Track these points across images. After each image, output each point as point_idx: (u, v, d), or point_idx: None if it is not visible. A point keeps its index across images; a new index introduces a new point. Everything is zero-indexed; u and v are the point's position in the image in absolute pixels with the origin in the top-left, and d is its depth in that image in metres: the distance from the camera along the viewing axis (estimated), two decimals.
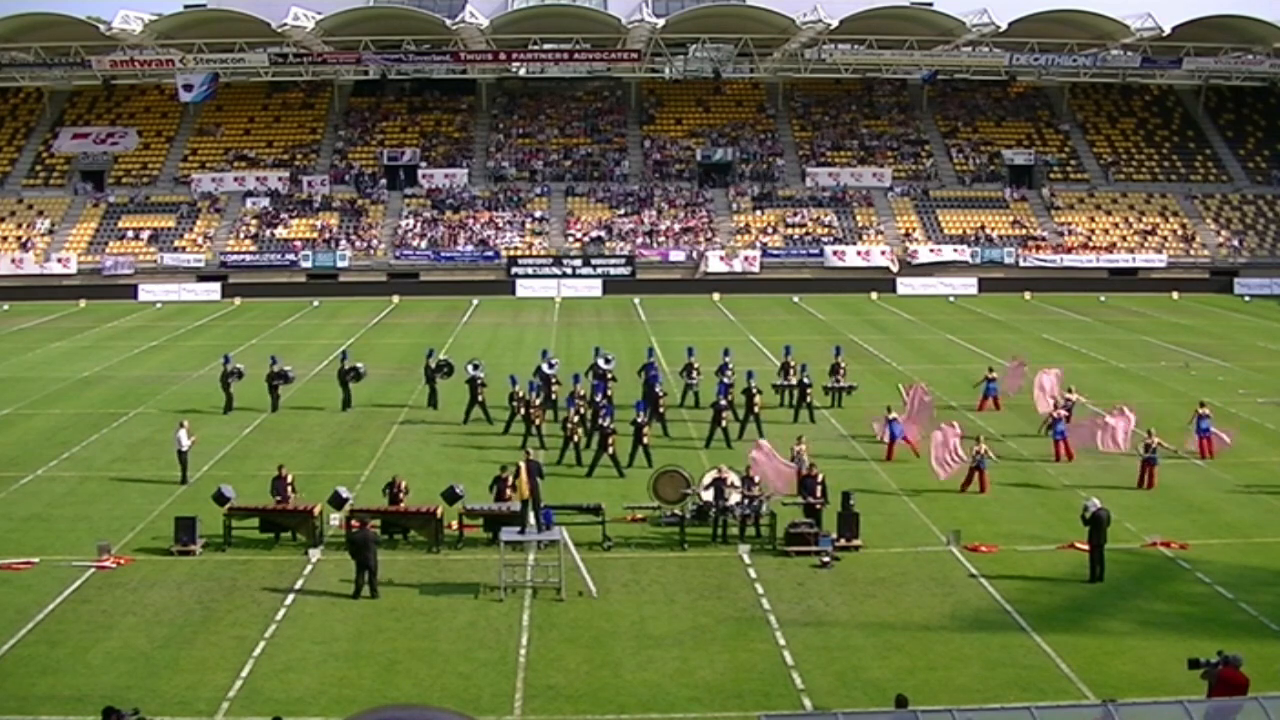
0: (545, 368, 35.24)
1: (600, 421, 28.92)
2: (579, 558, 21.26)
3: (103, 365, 44.26)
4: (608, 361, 35.44)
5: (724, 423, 31.12)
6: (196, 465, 29.34)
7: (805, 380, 34.42)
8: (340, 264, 67.30)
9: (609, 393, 32.48)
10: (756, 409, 32.23)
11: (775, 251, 68.61)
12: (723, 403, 31.51)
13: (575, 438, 29.41)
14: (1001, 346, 47.19)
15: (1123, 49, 74.02)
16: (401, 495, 24.23)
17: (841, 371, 36.62)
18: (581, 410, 30.31)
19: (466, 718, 13.66)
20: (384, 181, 74.06)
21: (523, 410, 31.46)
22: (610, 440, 28.35)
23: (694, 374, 35.82)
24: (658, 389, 33.45)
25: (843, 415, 34.78)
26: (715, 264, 67.50)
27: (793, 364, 36.18)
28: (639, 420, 29.31)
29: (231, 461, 30.21)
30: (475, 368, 34.42)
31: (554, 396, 33.82)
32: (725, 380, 33.38)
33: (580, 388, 31.97)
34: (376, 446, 31.61)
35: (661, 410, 32.45)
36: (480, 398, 33.71)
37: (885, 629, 19.47)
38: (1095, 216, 72.17)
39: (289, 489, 24.47)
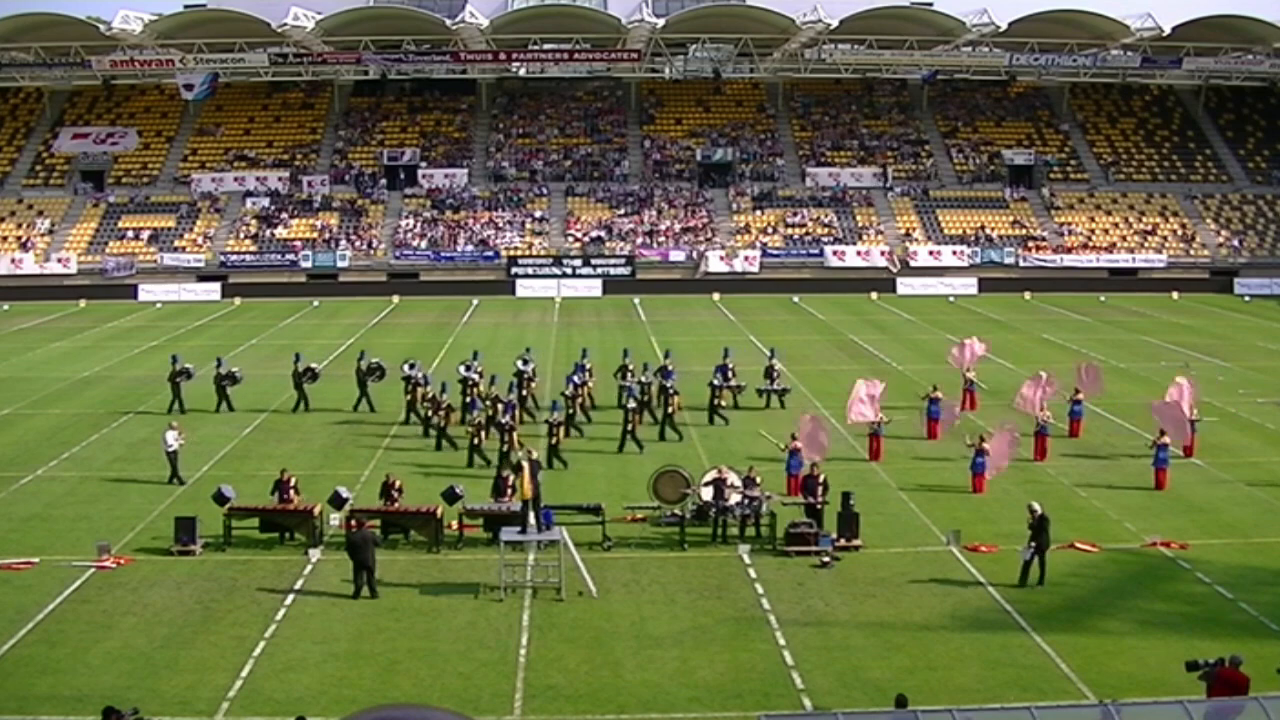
0: (520, 365, 35.40)
1: (500, 419, 29.33)
2: (579, 558, 21.26)
3: (103, 365, 44.26)
4: (525, 363, 35.57)
5: (631, 425, 30.94)
6: (196, 465, 29.37)
7: (714, 381, 34.51)
8: (340, 264, 67.32)
9: (524, 393, 33.10)
10: (671, 410, 32.36)
11: (775, 251, 68.62)
12: (631, 404, 31.39)
13: (478, 441, 29.51)
14: (1001, 346, 47.15)
15: (1123, 49, 74.06)
16: (396, 494, 24.17)
17: (776, 374, 36.41)
18: (490, 414, 30.65)
19: (465, 718, 13.68)
20: (384, 181, 74.07)
21: (438, 412, 31.53)
22: (507, 437, 28.64)
23: (628, 375, 35.13)
24: (568, 390, 33.09)
25: (841, 413, 34.70)
26: (715, 264, 67.50)
27: (730, 365, 36.28)
28: (551, 419, 29.67)
29: (231, 461, 30.20)
30: (411, 367, 34.49)
31: (525, 395, 33.83)
32: (641, 380, 33.86)
33: (495, 388, 32.38)
34: (376, 446, 31.59)
35: (571, 412, 32.15)
36: (409, 397, 33.54)
37: (885, 629, 19.47)
38: (1095, 216, 72.18)
39: (292, 492, 24.44)
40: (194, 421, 34.31)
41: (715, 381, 34.60)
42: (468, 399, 33.08)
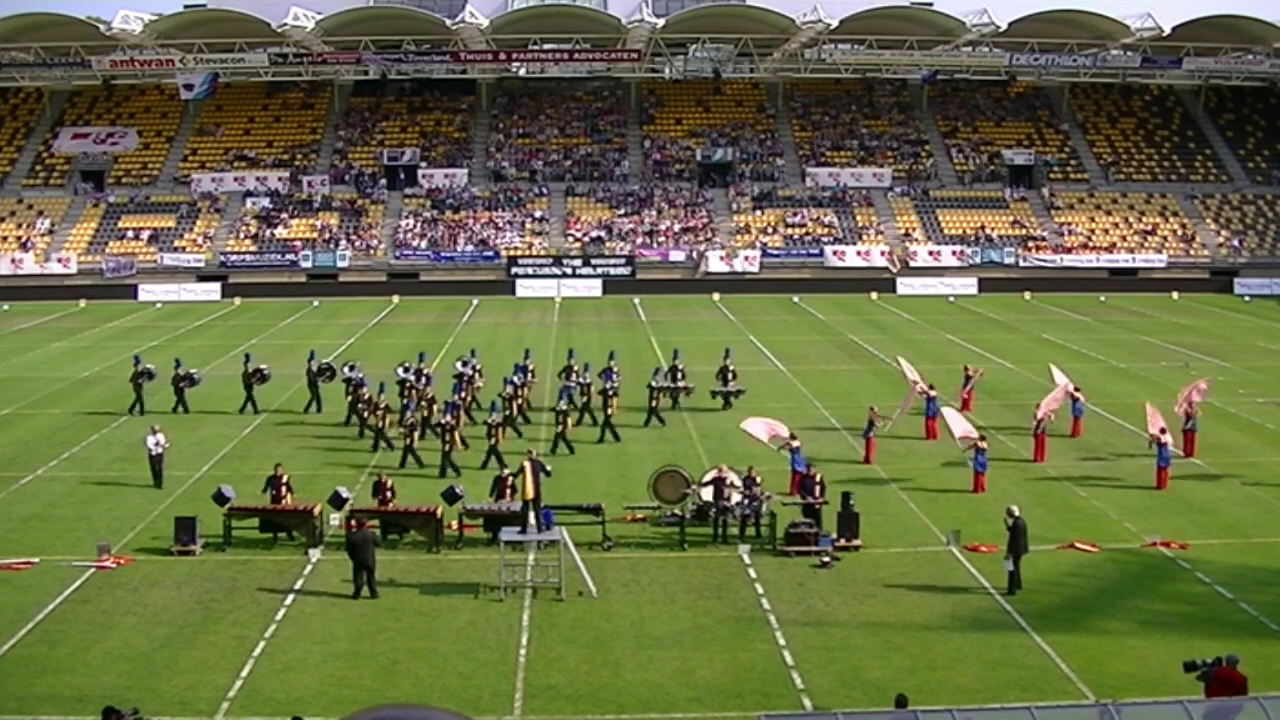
0: (459, 366, 35.51)
1: (441, 419, 29.42)
2: (579, 558, 21.26)
3: (103, 365, 44.23)
4: (465, 364, 35.68)
5: (562, 427, 30.85)
6: (196, 465, 29.41)
7: (651, 383, 34.40)
8: (340, 264, 67.32)
9: (464, 394, 33.07)
10: (610, 412, 32.28)
11: (775, 251, 68.62)
12: (562, 406, 31.29)
13: (410, 441, 29.49)
14: (1002, 346, 47.22)
15: (1123, 49, 74.05)
16: (389, 494, 24.14)
17: (731, 374, 36.22)
18: (425, 414, 30.96)
19: (465, 718, 13.68)
20: (384, 181, 74.08)
21: (376, 412, 31.57)
22: (448, 437, 28.71)
23: (573, 376, 34.96)
24: (508, 389, 32.95)
25: (841, 413, 34.71)
26: (715, 264, 67.51)
27: (680, 366, 36.32)
28: (490, 420, 29.65)
29: (231, 461, 30.20)
30: (351, 369, 34.55)
31: (466, 396, 33.72)
32: (581, 381, 33.85)
33: (432, 389, 32.72)
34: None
35: (509, 413, 32.00)
36: (350, 398, 33.39)
37: (885, 629, 19.47)
38: (1095, 216, 72.18)
39: (284, 489, 24.44)
40: (195, 422, 34.38)
41: (654, 383, 34.39)
42: (405, 400, 33.00)
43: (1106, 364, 43.76)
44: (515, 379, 33.80)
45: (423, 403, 31.85)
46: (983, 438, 28.12)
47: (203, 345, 48.74)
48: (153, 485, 27.69)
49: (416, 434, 29.76)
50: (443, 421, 29.35)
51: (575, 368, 35.20)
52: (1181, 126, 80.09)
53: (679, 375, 35.90)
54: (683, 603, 20.61)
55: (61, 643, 18.96)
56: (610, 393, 32.63)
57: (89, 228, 69.95)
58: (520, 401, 33.51)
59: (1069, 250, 69.39)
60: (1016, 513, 21.31)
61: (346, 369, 34.73)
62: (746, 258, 67.72)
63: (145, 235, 69.15)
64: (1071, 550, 23.18)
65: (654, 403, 34.04)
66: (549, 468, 25.93)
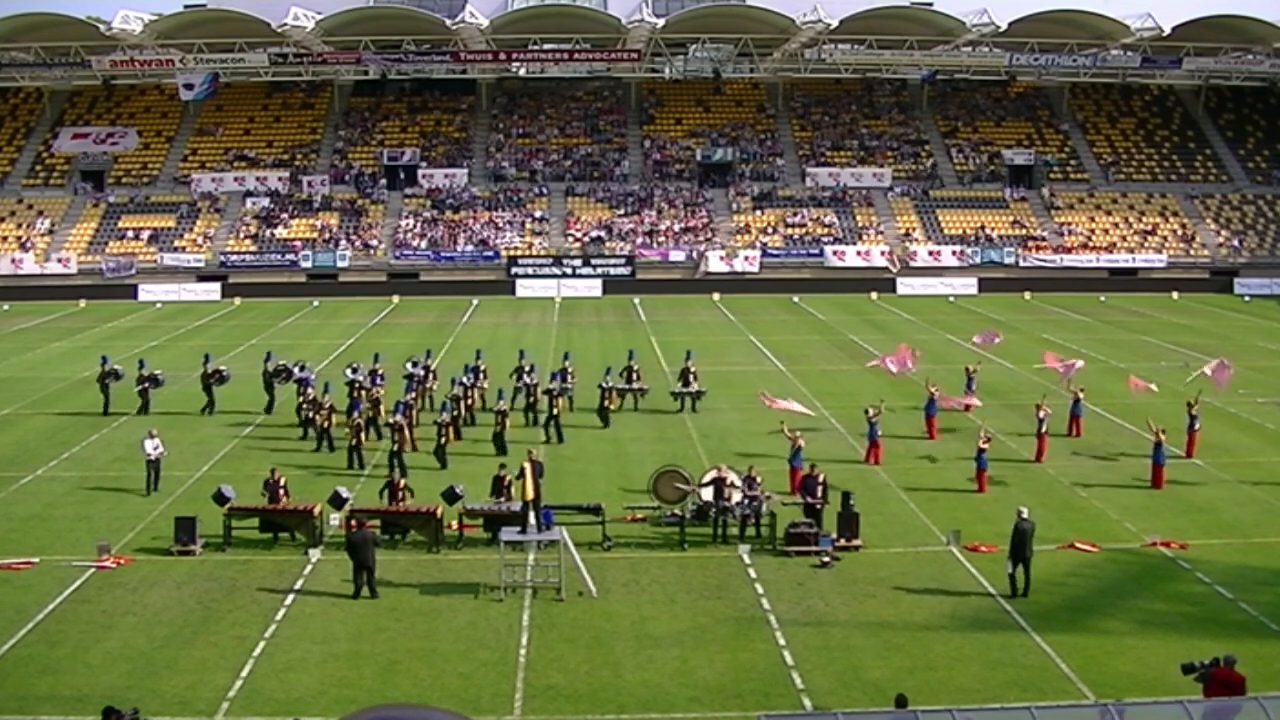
0: (409, 366, 35.61)
1: (391, 419, 29.51)
2: (579, 558, 21.26)
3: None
4: (415, 365, 35.76)
5: (500, 426, 30.62)
6: (196, 465, 29.40)
7: (602, 384, 34.18)
8: (340, 264, 67.33)
9: (414, 394, 33.19)
10: (556, 412, 32.19)
11: (775, 251, 68.63)
12: (501, 406, 31.18)
13: (356, 442, 29.44)
14: (1001, 346, 47.12)
15: (1123, 49, 74.07)
16: (402, 494, 24.23)
17: (692, 376, 36.05)
18: (370, 415, 31.22)
19: (465, 718, 13.69)
20: (384, 181, 74.08)
21: (316, 412, 31.63)
22: (397, 437, 28.71)
23: (524, 376, 34.84)
24: (457, 389, 32.88)
25: (841, 413, 34.70)
26: (715, 264, 67.51)
27: (636, 367, 36.30)
28: (439, 420, 29.80)
29: (231, 461, 30.20)
30: (301, 369, 34.62)
31: (417, 396, 33.82)
32: (528, 381, 33.95)
33: (378, 390, 32.84)
34: (375, 449, 31.46)
35: (457, 414, 31.89)
36: (301, 399, 33.19)
37: (885, 629, 19.47)
38: (1095, 216, 72.18)
39: (280, 490, 24.44)
40: (194, 422, 34.40)
41: (604, 384, 34.18)
42: (353, 400, 32.83)
43: (1106, 364, 43.73)
44: (465, 379, 33.80)
45: (368, 403, 31.89)
46: (988, 439, 28.12)
47: (202, 345, 48.60)
48: (146, 492, 27.35)
49: (361, 434, 29.73)
50: (391, 422, 29.39)
51: (525, 368, 35.18)
52: (1181, 126, 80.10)
53: (634, 376, 35.91)
54: (683, 603, 20.62)
55: (61, 643, 18.97)
56: (556, 393, 32.51)
57: (89, 228, 69.96)
58: (471, 402, 33.58)
59: (1069, 250, 69.40)
60: (1024, 514, 21.29)
61: (297, 369, 34.83)
62: (746, 258, 67.73)
63: (145, 235, 69.16)
64: (1071, 550, 23.19)
65: (606, 403, 33.92)
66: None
